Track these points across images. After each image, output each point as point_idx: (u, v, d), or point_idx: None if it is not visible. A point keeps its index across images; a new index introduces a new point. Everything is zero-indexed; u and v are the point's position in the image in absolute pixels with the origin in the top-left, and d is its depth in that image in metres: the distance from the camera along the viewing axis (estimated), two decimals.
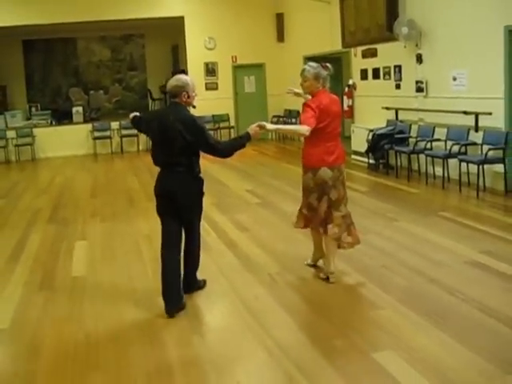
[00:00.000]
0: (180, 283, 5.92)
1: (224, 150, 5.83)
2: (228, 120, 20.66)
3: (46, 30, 20.95)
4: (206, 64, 20.51)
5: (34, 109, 21.66)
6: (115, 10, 19.15)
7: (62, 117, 21.30)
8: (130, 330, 5.50)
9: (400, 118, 13.40)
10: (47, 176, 15.65)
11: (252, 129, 5.84)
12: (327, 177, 6.20)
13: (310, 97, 6.36)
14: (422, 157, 11.86)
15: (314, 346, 4.94)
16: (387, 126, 13.46)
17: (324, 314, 5.64)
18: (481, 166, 10.15)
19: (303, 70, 6.30)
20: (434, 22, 11.98)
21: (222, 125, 20.36)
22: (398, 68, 13.48)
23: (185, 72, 19.11)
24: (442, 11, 11.71)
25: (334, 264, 6.39)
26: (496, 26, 10.03)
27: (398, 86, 13.61)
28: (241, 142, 5.86)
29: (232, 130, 20.37)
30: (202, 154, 5.78)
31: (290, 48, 20.37)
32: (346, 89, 15.97)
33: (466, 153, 10.76)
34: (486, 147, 10.21)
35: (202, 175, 5.91)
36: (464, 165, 10.56)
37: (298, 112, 18.65)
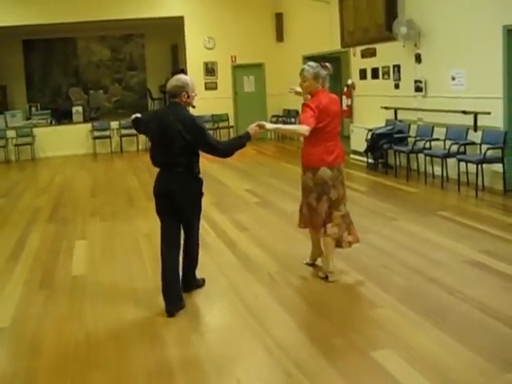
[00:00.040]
0: (179, 283, 5.94)
1: (224, 150, 5.85)
2: (227, 120, 20.67)
3: (46, 29, 20.94)
4: (206, 64, 20.53)
5: (33, 108, 21.66)
6: (115, 10, 19.16)
7: (62, 116, 21.32)
8: (130, 329, 5.51)
9: (399, 117, 13.41)
10: (47, 175, 15.66)
11: (252, 128, 5.86)
12: (327, 176, 6.22)
13: (310, 96, 6.37)
14: (421, 156, 11.88)
15: (313, 344, 4.96)
16: (386, 125, 13.48)
17: (323, 312, 5.65)
18: (480, 166, 10.17)
19: (302, 70, 6.32)
20: (433, 22, 12.00)
21: (221, 124, 20.36)
22: (397, 68, 13.50)
23: (184, 72, 19.11)
24: (440, 11, 11.73)
25: (333, 263, 6.40)
26: (495, 25, 10.05)
27: (396, 86, 13.62)
28: (241, 141, 5.87)
29: (231, 130, 20.40)
30: (201, 153, 5.79)
31: (289, 48, 20.38)
32: (345, 88, 15.98)
33: (464, 152, 10.78)
34: (484, 147, 10.23)
35: (201, 176, 5.92)
36: (463, 164, 10.57)
37: (297, 112, 18.69)
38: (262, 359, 4.78)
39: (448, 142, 11.12)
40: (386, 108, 13.79)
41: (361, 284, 6.32)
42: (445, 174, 11.00)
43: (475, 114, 10.67)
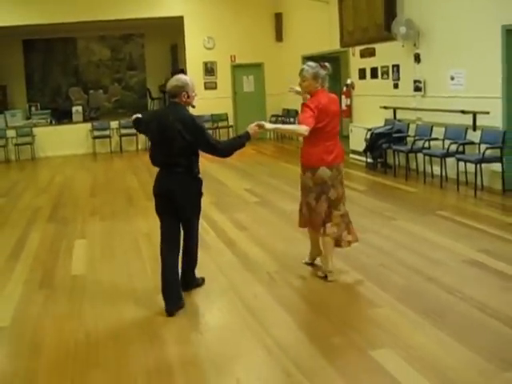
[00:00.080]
0: (179, 282, 5.96)
1: (224, 150, 5.86)
2: (227, 119, 20.68)
3: (46, 29, 20.96)
4: (205, 63, 20.54)
5: (33, 108, 21.68)
6: (115, 10, 19.18)
7: (62, 116, 21.33)
8: (130, 328, 5.53)
9: (398, 117, 13.43)
10: (47, 175, 15.67)
11: (251, 128, 5.87)
12: (326, 176, 6.23)
13: (309, 96, 6.38)
14: (420, 156, 11.90)
15: (312, 343, 4.97)
16: (385, 125, 13.50)
17: (322, 312, 5.67)
18: (478, 165, 10.19)
19: (302, 70, 6.33)
20: (432, 22, 12.02)
21: (220, 124, 20.38)
22: (396, 67, 13.51)
23: (184, 71, 19.14)
24: (439, 11, 11.75)
25: (332, 262, 6.42)
26: (494, 25, 10.07)
27: (396, 86, 13.64)
28: (240, 141, 5.88)
29: (231, 130, 20.42)
30: (201, 153, 5.80)
31: (288, 47, 20.40)
32: (345, 88, 15.99)
33: (463, 152, 10.79)
34: (483, 146, 10.24)
35: (200, 175, 5.94)
36: (462, 164, 10.58)
37: (297, 111, 18.70)
38: (261, 358, 4.79)
39: (447, 142, 11.13)
40: (385, 108, 13.81)
41: (360, 283, 6.33)
42: (444, 173, 11.03)
43: (474, 114, 10.68)
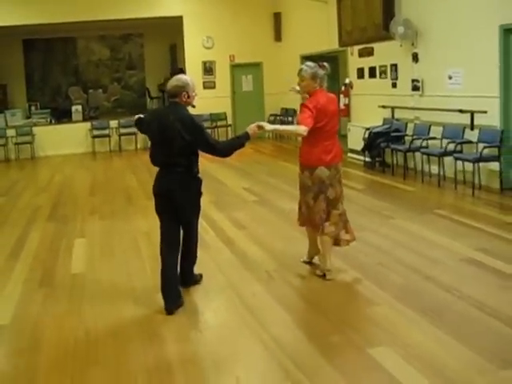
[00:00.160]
0: (178, 281, 5.99)
1: (223, 150, 5.88)
2: (225, 119, 20.69)
3: (46, 29, 20.98)
4: (204, 63, 20.55)
5: (33, 107, 21.69)
6: (115, 10, 19.19)
7: (62, 115, 21.33)
8: (129, 327, 5.55)
9: (396, 116, 13.46)
10: (46, 174, 15.68)
11: (251, 128, 5.90)
12: (324, 176, 6.25)
13: (308, 96, 6.40)
14: (418, 155, 11.94)
15: (310, 342, 5.00)
16: (383, 124, 13.52)
17: (321, 310, 5.69)
18: (476, 164, 10.22)
19: (300, 70, 6.34)
20: (430, 22, 12.04)
21: (219, 123, 20.39)
22: (395, 67, 13.54)
23: (183, 71, 19.16)
24: (437, 11, 11.77)
25: (330, 261, 6.44)
26: (491, 25, 10.09)
27: (394, 85, 13.67)
28: (240, 141, 5.90)
29: (229, 129, 20.45)
30: (200, 153, 5.82)
31: (287, 47, 20.41)
32: (343, 87, 16.00)
33: (461, 151, 10.81)
34: (481, 145, 10.27)
35: (200, 175, 5.96)
36: (459, 163, 10.60)
37: (295, 111, 18.76)
38: (260, 357, 4.82)
39: (445, 141, 11.15)
40: (384, 107, 13.84)
41: (358, 282, 6.36)
42: (441, 172, 11.05)
43: (472, 113, 10.70)
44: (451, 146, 10.83)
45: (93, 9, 18.95)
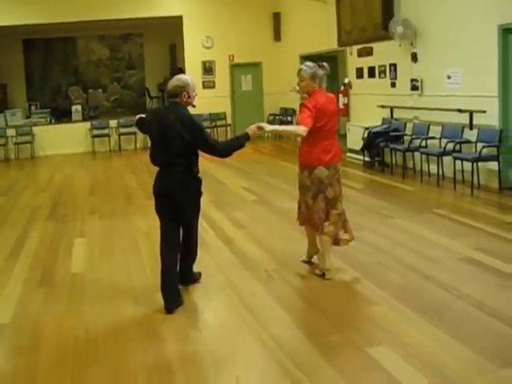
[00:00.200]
0: (178, 281, 6.01)
1: (222, 150, 5.89)
2: (225, 118, 20.70)
3: (46, 29, 20.98)
4: (204, 63, 20.57)
5: (33, 107, 21.71)
6: (114, 10, 19.21)
7: (62, 115, 21.34)
8: (129, 326, 5.56)
9: (395, 116, 13.47)
10: (46, 174, 15.69)
11: (251, 129, 5.91)
12: (323, 175, 6.26)
13: (308, 96, 6.41)
14: (417, 154, 11.95)
15: (310, 341, 5.01)
16: (382, 124, 13.53)
17: (320, 310, 5.71)
18: (475, 164, 10.23)
19: (300, 70, 6.35)
20: (429, 21, 12.06)
21: (218, 123, 20.41)
22: (394, 66, 13.56)
23: (182, 70, 19.18)
24: (436, 10, 11.79)
25: (330, 261, 6.45)
26: (490, 24, 10.11)
27: (393, 85, 13.69)
28: (240, 142, 5.92)
29: (229, 128, 20.47)
30: (200, 153, 5.84)
31: (286, 47, 20.43)
32: (342, 87, 16.00)
33: (460, 150, 10.83)
34: (480, 145, 10.29)
35: (200, 175, 5.98)
36: (458, 162, 10.64)
37: (294, 110, 18.82)
38: (259, 356, 4.84)
39: (444, 141, 11.17)
40: (383, 106, 13.85)
41: (357, 281, 6.37)
42: (440, 172, 11.06)
43: (471, 113, 10.72)
44: (450, 146, 10.86)
45: (93, 9, 18.96)
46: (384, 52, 13.93)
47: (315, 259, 6.86)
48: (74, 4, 18.80)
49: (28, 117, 20.97)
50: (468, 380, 4.26)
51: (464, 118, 10.86)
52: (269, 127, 6.28)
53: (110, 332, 5.46)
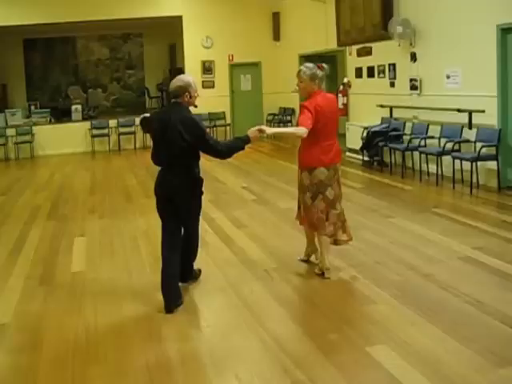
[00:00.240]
0: (178, 281, 6.02)
1: (223, 152, 5.90)
2: (224, 118, 20.72)
3: (46, 29, 20.94)
4: (203, 62, 20.56)
5: (33, 107, 21.66)
6: (114, 10, 19.19)
7: (61, 115, 21.30)
8: (130, 325, 5.58)
9: (394, 115, 13.49)
10: (46, 173, 15.67)
11: (252, 132, 5.94)
12: (323, 176, 6.28)
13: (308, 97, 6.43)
14: (416, 154, 11.97)
15: (309, 340, 5.03)
16: (382, 123, 13.56)
17: (319, 309, 5.73)
18: (474, 163, 10.25)
19: (299, 71, 6.36)
20: (428, 21, 12.08)
21: (218, 122, 20.40)
22: (393, 66, 13.58)
23: (182, 70, 19.20)
24: (435, 10, 11.81)
25: (329, 260, 6.47)
26: (489, 24, 10.13)
27: (392, 84, 13.71)
28: (240, 144, 5.94)
29: (228, 128, 20.49)
30: (201, 153, 5.87)
31: (285, 47, 20.43)
32: (341, 87, 16.02)
33: (459, 150, 10.85)
34: (479, 144, 10.31)
35: (201, 175, 6.00)
36: (457, 162, 10.66)
37: (293, 110, 18.87)
38: (259, 354, 4.85)
39: (443, 140, 11.18)
40: (382, 106, 13.86)
41: (356, 280, 6.39)
42: (439, 171, 11.08)
43: (470, 112, 10.74)
44: (449, 145, 10.87)
45: (93, 9, 18.94)
46: (383, 52, 13.95)
47: (313, 258, 6.89)
48: (74, 4, 18.78)
49: (28, 116, 20.92)
50: (466, 378, 4.27)
51: (463, 118, 10.87)
52: (269, 130, 6.28)
53: (110, 331, 5.47)
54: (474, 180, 10.29)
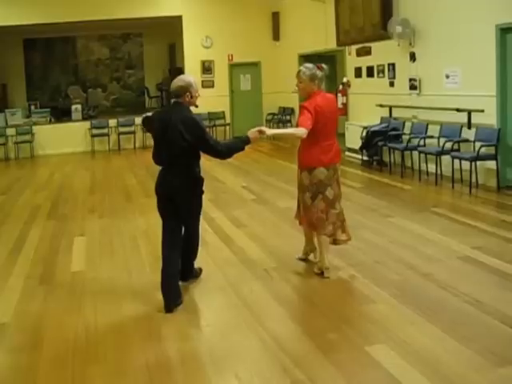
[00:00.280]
0: (178, 281, 6.04)
1: (223, 152, 5.91)
2: (224, 117, 20.73)
3: (46, 29, 20.93)
4: (203, 62, 20.56)
5: (33, 107, 21.64)
6: (114, 10, 19.19)
7: (61, 114, 21.29)
8: (129, 324, 5.59)
9: (394, 115, 13.50)
10: (46, 173, 15.67)
11: (252, 133, 5.95)
12: (323, 176, 6.29)
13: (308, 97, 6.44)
14: (416, 154, 11.96)
15: (308, 339, 5.05)
16: (381, 123, 13.56)
17: (319, 308, 5.75)
18: (473, 163, 10.26)
19: (299, 72, 6.37)
20: (427, 21, 12.09)
21: (217, 122, 20.41)
22: (392, 66, 13.59)
23: (182, 70, 19.20)
24: (435, 10, 11.82)
25: (328, 259, 6.49)
26: (488, 24, 10.14)
27: (391, 84, 13.72)
28: (240, 145, 5.95)
29: (227, 128, 20.50)
30: (201, 153, 5.89)
31: (285, 46, 20.44)
32: (341, 86, 16.03)
33: (458, 150, 10.86)
34: (478, 144, 10.32)
35: (201, 175, 6.01)
36: (457, 161, 10.65)
37: (293, 109, 18.86)
38: (259, 354, 4.86)
39: (442, 140, 11.19)
40: (381, 106, 13.87)
41: (355, 279, 6.40)
42: (439, 171, 11.09)
43: (469, 112, 10.75)
44: (448, 145, 10.88)
45: (93, 9, 18.94)
46: (383, 51, 13.96)
47: (312, 257, 6.91)
48: (74, 4, 18.78)
49: (28, 116, 20.92)
50: (465, 378, 4.28)
51: (462, 118, 10.88)
52: (269, 131, 6.28)
53: (110, 330, 5.48)
54: (474, 179, 10.30)
